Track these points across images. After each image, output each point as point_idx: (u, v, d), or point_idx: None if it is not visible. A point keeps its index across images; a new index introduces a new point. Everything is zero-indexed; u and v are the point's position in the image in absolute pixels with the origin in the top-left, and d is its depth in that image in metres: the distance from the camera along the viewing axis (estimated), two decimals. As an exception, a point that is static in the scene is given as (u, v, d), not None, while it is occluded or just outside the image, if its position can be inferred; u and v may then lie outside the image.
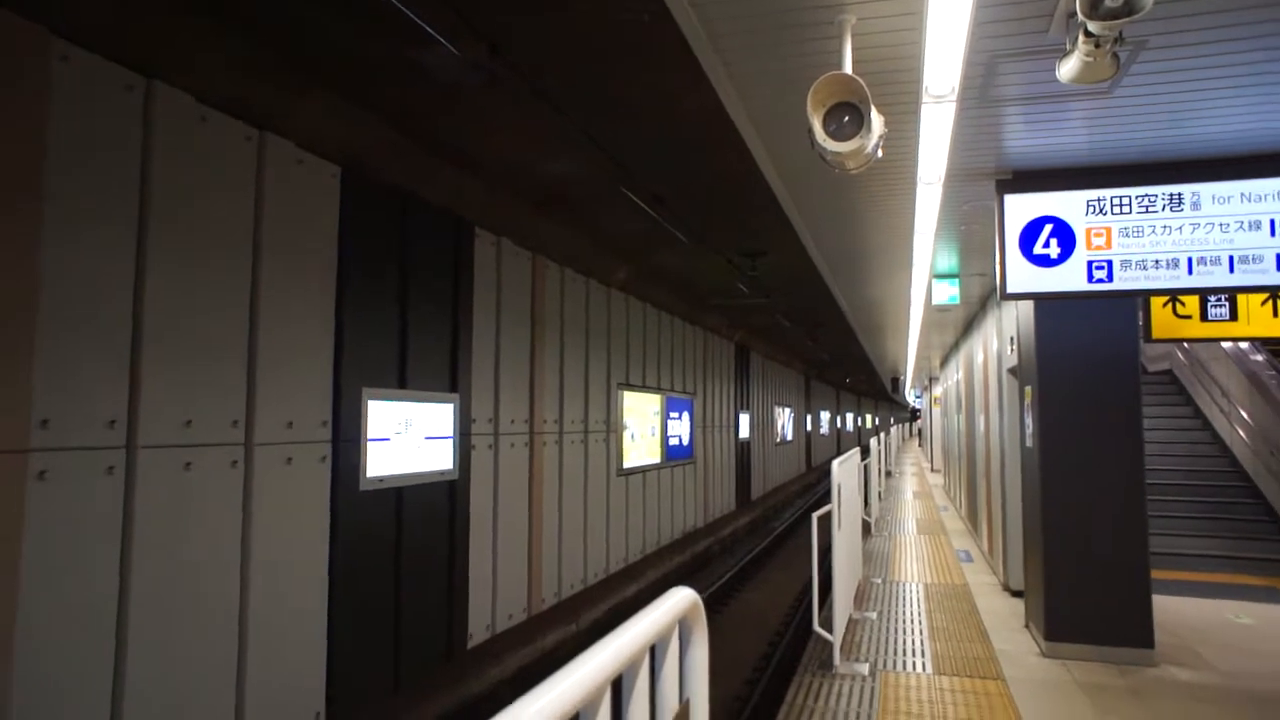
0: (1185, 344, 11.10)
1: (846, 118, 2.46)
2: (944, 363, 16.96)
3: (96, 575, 3.87)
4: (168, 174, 4.31)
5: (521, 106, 5.34)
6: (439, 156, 6.42)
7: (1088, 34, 2.17)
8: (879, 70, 2.91)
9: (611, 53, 4.55)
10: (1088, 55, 2.25)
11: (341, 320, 5.61)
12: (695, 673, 1.30)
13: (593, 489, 9.94)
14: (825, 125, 2.46)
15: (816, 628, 4.92)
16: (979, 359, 9.10)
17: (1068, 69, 2.37)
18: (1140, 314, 5.82)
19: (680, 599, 1.25)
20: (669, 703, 1.21)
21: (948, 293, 6.97)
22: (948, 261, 6.50)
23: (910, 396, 39.02)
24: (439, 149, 6.30)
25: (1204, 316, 5.52)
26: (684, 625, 1.29)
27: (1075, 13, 2.06)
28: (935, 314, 9.57)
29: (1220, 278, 3.65)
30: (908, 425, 53.18)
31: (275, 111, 5.03)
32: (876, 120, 2.49)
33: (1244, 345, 9.80)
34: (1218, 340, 6.14)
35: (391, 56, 4.80)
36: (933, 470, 21.64)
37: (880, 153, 2.66)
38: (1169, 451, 9.90)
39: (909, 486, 17.41)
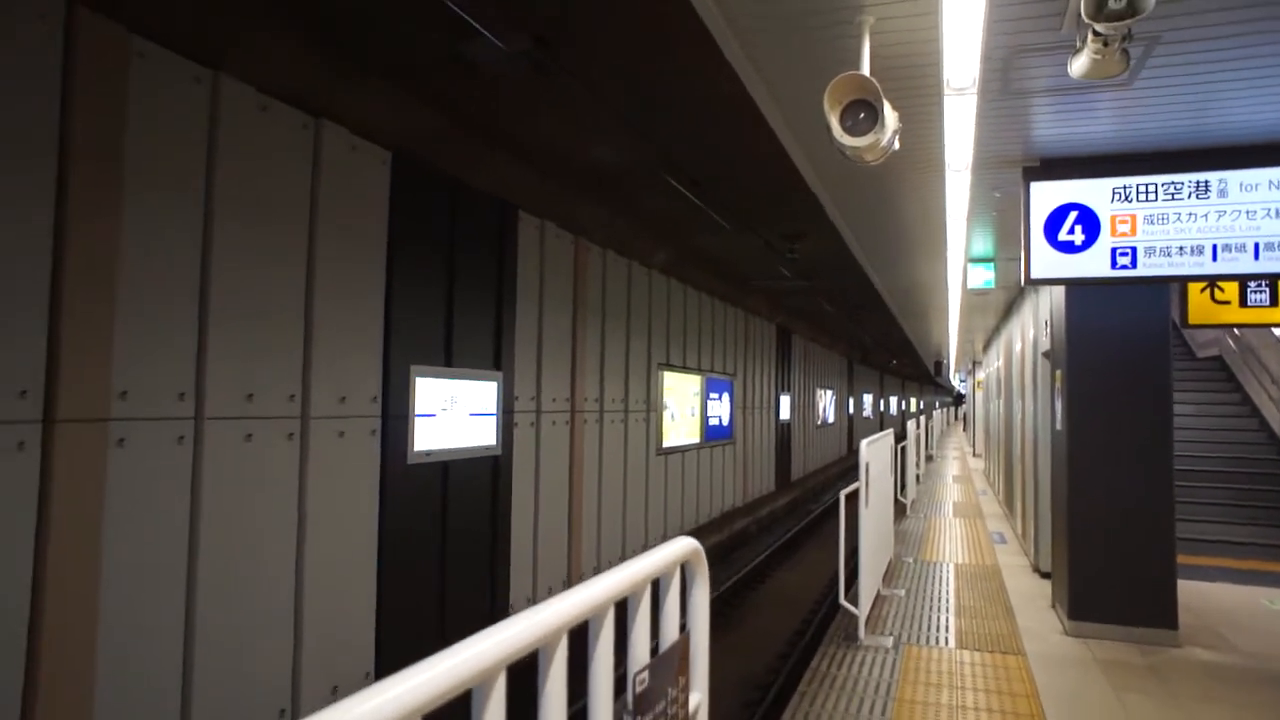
0: (1235, 330, 10.91)
1: (862, 114, 2.60)
2: (986, 347, 16.82)
3: (168, 535, 4.20)
4: (231, 159, 4.59)
5: (565, 95, 5.52)
6: (486, 143, 6.64)
7: (1095, 33, 2.28)
8: (899, 65, 3.03)
9: (647, 46, 4.70)
10: (1096, 53, 2.35)
11: (391, 300, 5.89)
12: (697, 610, 1.50)
13: (632, 467, 10.17)
14: (842, 121, 2.61)
15: (843, 601, 5.09)
16: (1017, 344, 9.10)
17: (1079, 66, 2.47)
18: (1176, 299, 5.83)
19: (683, 545, 1.44)
20: (670, 630, 1.41)
21: (983, 277, 7.01)
22: (982, 246, 6.55)
23: (955, 380, 38.57)
24: (486, 136, 6.52)
25: (1243, 302, 5.51)
26: (687, 568, 1.48)
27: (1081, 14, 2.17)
28: (973, 298, 9.56)
29: (1245, 264, 3.70)
30: (952, 409, 52.49)
31: (331, 100, 5.29)
32: (890, 116, 2.62)
33: (1296, 331, 9.63)
34: (1258, 326, 6.09)
35: (442, 49, 5.00)
36: (975, 455, 21.48)
37: (898, 144, 2.80)
38: (1213, 438, 9.78)
39: (950, 470, 17.35)
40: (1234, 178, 3.75)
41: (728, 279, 13.29)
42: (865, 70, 2.68)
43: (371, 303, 5.73)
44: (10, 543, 3.49)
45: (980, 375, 20.28)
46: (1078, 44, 2.45)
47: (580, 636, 1.11)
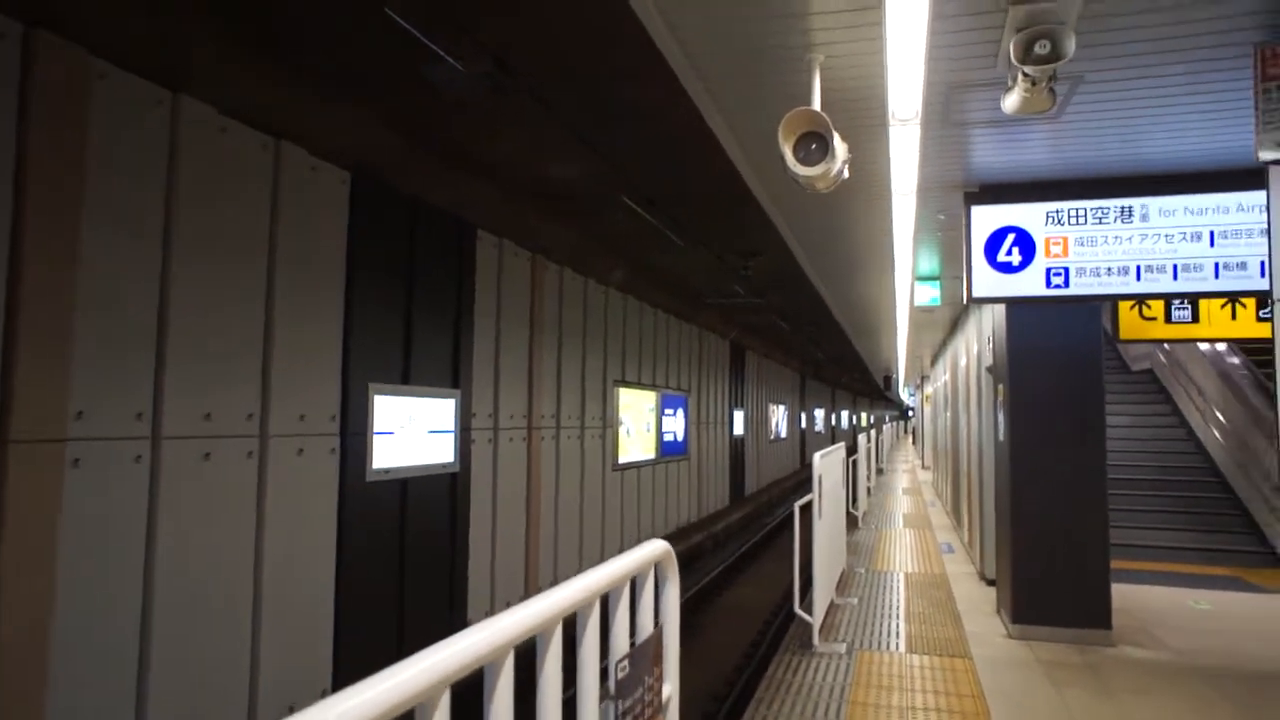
0: (1165, 345, 11.43)
1: (814, 145, 2.77)
2: (934, 361, 17.30)
3: (126, 554, 4.17)
4: (192, 179, 4.60)
5: (524, 115, 5.62)
6: (445, 161, 6.71)
7: (1024, 74, 2.48)
8: (847, 97, 3.22)
9: (605, 71, 4.85)
10: (1026, 91, 2.55)
11: (350, 318, 5.91)
12: (669, 606, 1.61)
13: (589, 483, 10.25)
14: (795, 152, 2.78)
15: (797, 609, 5.24)
16: (962, 359, 9.43)
17: (1010, 102, 2.68)
18: (1109, 316, 6.15)
19: (656, 546, 1.56)
20: (646, 624, 1.52)
21: (929, 294, 7.29)
22: (928, 265, 6.82)
23: (904, 395, 39.38)
24: (445, 154, 6.59)
25: (1168, 319, 5.85)
26: (660, 569, 1.60)
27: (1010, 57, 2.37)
28: (921, 314, 9.89)
29: (1165, 284, 3.98)
30: (902, 423, 53.52)
31: (290, 121, 5.32)
32: (840, 147, 2.80)
33: (1220, 347, 10.15)
34: (1182, 340, 6.45)
35: (402, 70, 5.08)
36: (924, 467, 21.98)
37: (847, 172, 2.97)
38: (1146, 448, 10.23)
39: (899, 483, 17.74)
40: (1154, 204, 4.03)
41: (683, 296, 13.50)
42: (816, 103, 2.85)
43: (330, 321, 5.75)
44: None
45: (929, 389, 20.81)
46: (1009, 82, 2.66)
47: (567, 628, 1.22)
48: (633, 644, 1.41)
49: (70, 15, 3.92)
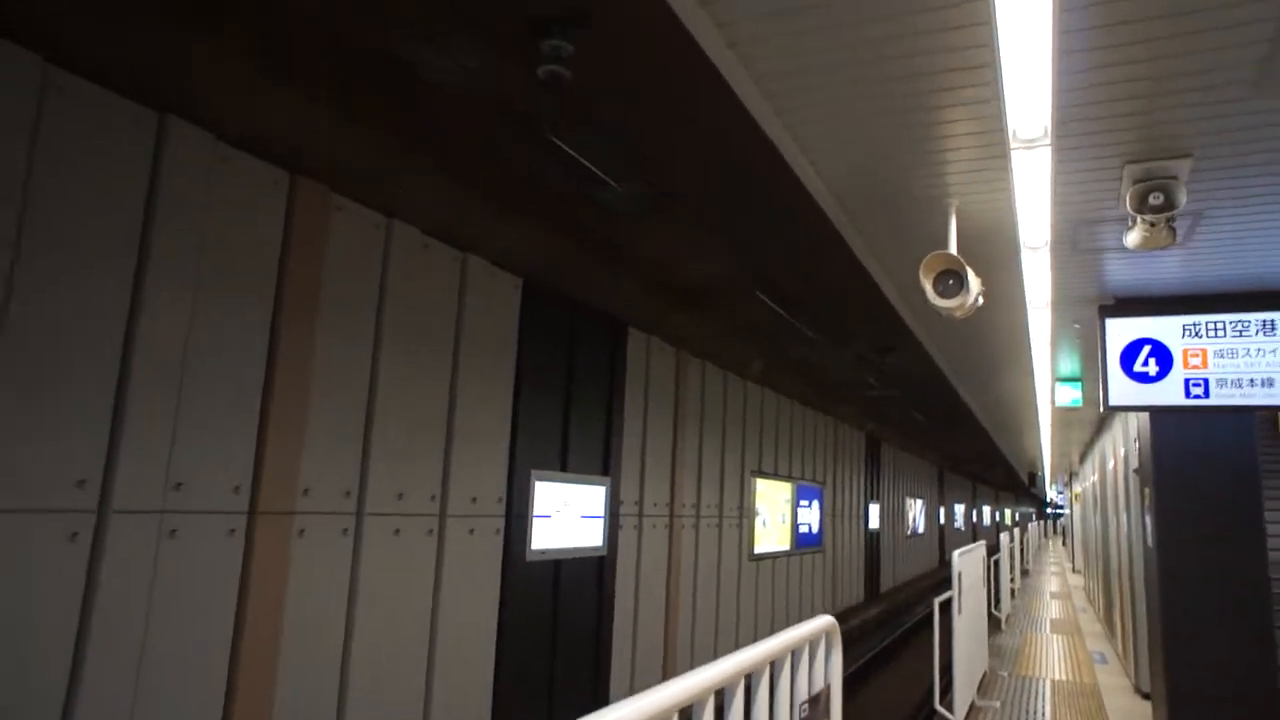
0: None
1: (951, 280, 3.16)
2: (1082, 459, 16.57)
3: (331, 613, 4.85)
4: (398, 290, 5.42)
5: (676, 220, 6.25)
6: (600, 264, 7.45)
7: (1142, 219, 2.80)
8: (981, 226, 3.61)
9: (756, 201, 5.41)
10: (1146, 231, 2.87)
11: (518, 410, 6.60)
12: (834, 667, 1.98)
13: (725, 572, 10.49)
14: (935, 287, 3.18)
15: (938, 707, 5.31)
16: (1110, 460, 9.20)
17: (1132, 239, 2.99)
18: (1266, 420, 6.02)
19: (824, 620, 1.95)
20: (818, 682, 1.89)
21: (1070, 395, 7.31)
22: (1068, 367, 6.90)
23: (1052, 492, 37.18)
24: (601, 258, 7.33)
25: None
26: (827, 637, 1.97)
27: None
28: (1065, 413, 9.75)
29: (1310, 396, 4.04)
30: (1049, 522, 50.18)
31: (474, 236, 6.15)
32: (974, 282, 3.18)
33: None
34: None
35: (569, 189, 5.82)
36: (1074, 570, 20.70)
37: (982, 300, 3.34)
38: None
39: (1047, 586, 16.84)
40: (1296, 317, 4.14)
41: (818, 387, 13.73)
42: (952, 244, 3.26)
43: (501, 412, 6.44)
44: (222, 607, 4.20)
45: (1077, 488, 19.79)
46: (1129, 223, 2.98)
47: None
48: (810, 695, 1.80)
49: (315, 164, 4.85)
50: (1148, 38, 2.12)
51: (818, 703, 1.79)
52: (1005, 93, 2.41)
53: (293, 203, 4.78)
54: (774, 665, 1.62)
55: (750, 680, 1.53)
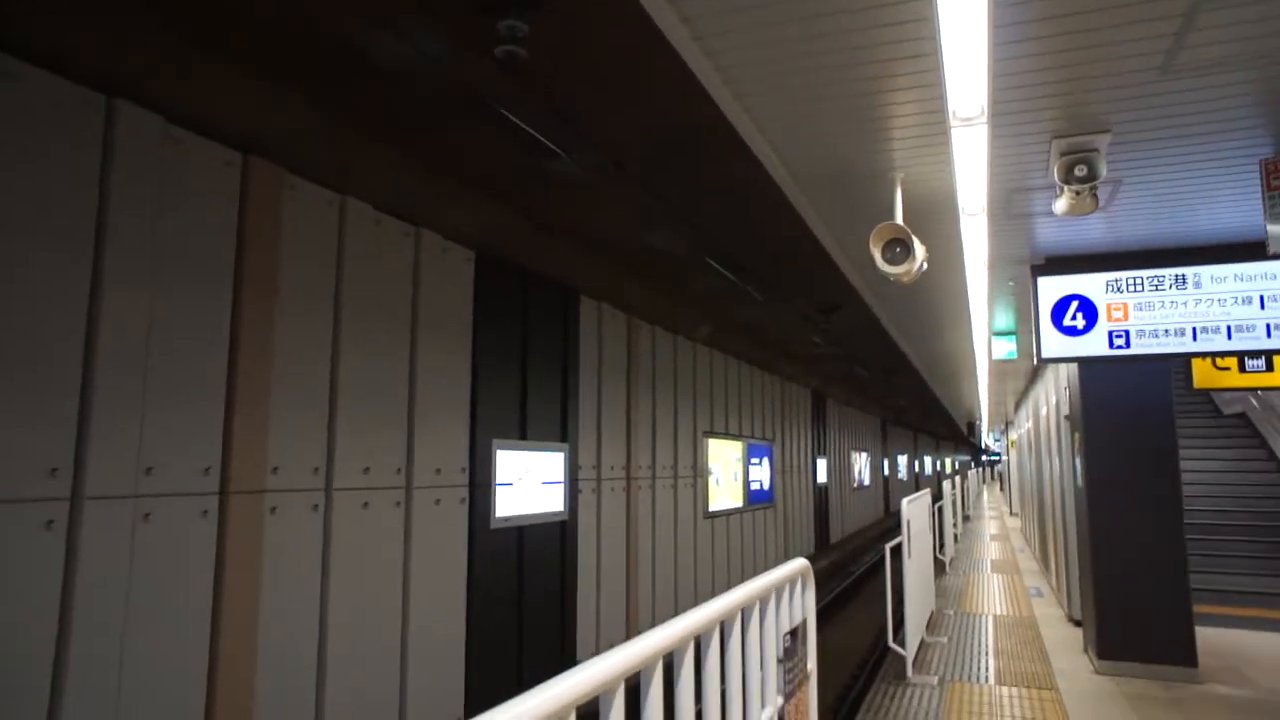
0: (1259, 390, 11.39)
1: (898, 248, 3.39)
2: (1017, 408, 17.33)
3: (306, 585, 4.96)
4: (354, 265, 5.46)
5: (627, 193, 6.38)
6: (553, 236, 7.55)
7: (1068, 187, 3.06)
8: (925, 196, 3.84)
9: (709, 167, 5.57)
10: (1072, 198, 3.13)
11: (477, 380, 6.71)
12: (809, 603, 2.21)
13: (682, 530, 10.82)
14: (884, 254, 3.40)
15: (891, 643, 5.69)
16: (1043, 407, 9.72)
17: (1059, 206, 3.25)
18: (1182, 366, 6.49)
19: (799, 563, 2.17)
20: (794, 618, 2.12)
21: (1006, 348, 7.71)
22: (1004, 321, 7.28)
23: (990, 440, 38.65)
24: (554, 231, 7.43)
25: (1242, 368, 6.17)
26: (802, 578, 2.20)
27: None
28: (999, 365, 10.23)
29: (1219, 344, 4.41)
30: (988, 469, 52.20)
31: (428, 212, 6.20)
32: (919, 249, 3.41)
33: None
34: (1261, 389, 6.71)
35: (526, 166, 5.91)
36: (1012, 514, 21.72)
37: (926, 265, 3.58)
38: (1237, 493, 10.21)
39: (987, 529, 17.67)
40: (1205, 271, 4.49)
41: (765, 347, 14.07)
42: (898, 208, 3.48)
43: (460, 383, 6.55)
44: (199, 587, 4.29)
45: (1013, 435, 20.69)
46: (1057, 191, 3.23)
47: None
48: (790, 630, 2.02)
49: (267, 144, 4.84)
50: (1072, 30, 2.34)
51: (796, 635, 2.02)
52: (945, 76, 2.61)
53: (247, 183, 4.78)
54: (762, 602, 1.83)
55: (744, 615, 1.74)
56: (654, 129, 5.04)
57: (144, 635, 4.00)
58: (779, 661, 1.87)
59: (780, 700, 1.86)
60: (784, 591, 1.99)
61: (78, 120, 3.89)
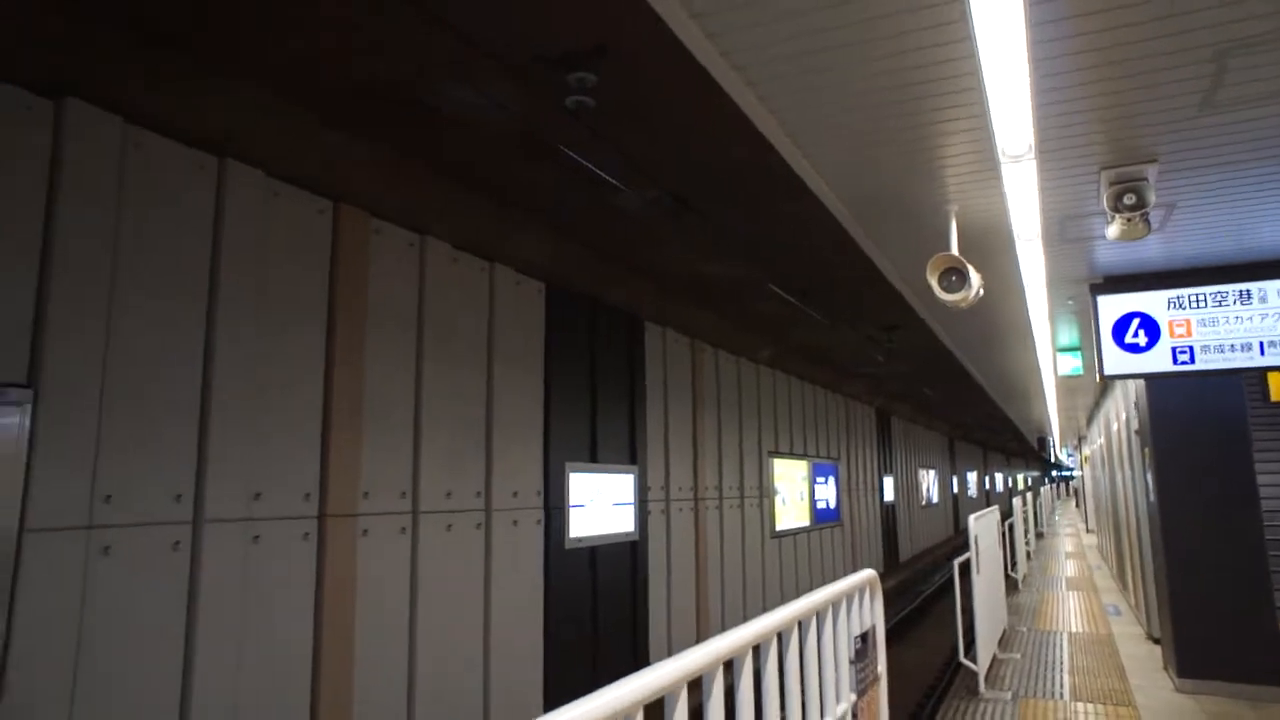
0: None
1: (954, 277, 3.56)
2: (1089, 422, 16.95)
3: (397, 599, 5.28)
4: (433, 303, 5.80)
5: (692, 228, 6.64)
6: (618, 266, 7.84)
7: (1119, 215, 3.19)
8: (980, 225, 3.99)
9: (768, 206, 5.78)
10: (1123, 225, 3.26)
11: (549, 406, 7.02)
12: (877, 611, 2.39)
13: (749, 549, 10.94)
14: (940, 283, 3.57)
15: (963, 659, 5.74)
16: (1114, 423, 9.59)
17: (1112, 232, 3.37)
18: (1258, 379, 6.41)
19: (868, 572, 2.35)
20: (865, 622, 2.30)
21: (1071, 364, 7.69)
22: (1067, 337, 7.28)
23: (1062, 455, 37.54)
24: (619, 261, 7.72)
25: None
26: (870, 587, 2.38)
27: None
28: (1066, 381, 10.13)
29: (1288, 357, 4.43)
30: (1062, 485, 50.58)
31: (501, 248, 6.54)
32: (975, 277, 3.57)
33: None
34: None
35: (592, 202, 6.19)
36: (1088, 531, 21.12)
37: (982, 292, 3.73)
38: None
39: (1062, 547, 17.26)
40: (1271, 286, 4.51)
41: (828, 367, 14.12)
42: (953, 239, 3.65)
43: (534, 409, 6.86)
44: (303, 604, 4.64)
45: (1086, 450, 20.18)
46: (1109, 217, 3.36)
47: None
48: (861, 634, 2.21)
49: (355, 191, 5.23)
50: (1110, 71, 2.51)
51: (867, 638, 2.20)
52: (992, 117, 2.79)
53: (337, 229, 5.18)
54: (834, 607, 2.02)
55: (819, 618, 1.94)
56: (713, 168, 5.28)
57: (257, 643, 4.36)
58: (851, 662, 2.06)
59: (854, 697, 2.05)
60: (854, 598, 2.19)
61: (196, 182, 4.32)
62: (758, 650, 1.67)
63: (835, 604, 2.04)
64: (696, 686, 1.46)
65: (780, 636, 1.70)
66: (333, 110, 4.71)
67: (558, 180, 5.89)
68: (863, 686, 2.12)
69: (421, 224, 5.84)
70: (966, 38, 2.37)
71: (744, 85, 2.78)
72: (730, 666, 1.57)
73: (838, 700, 2.00)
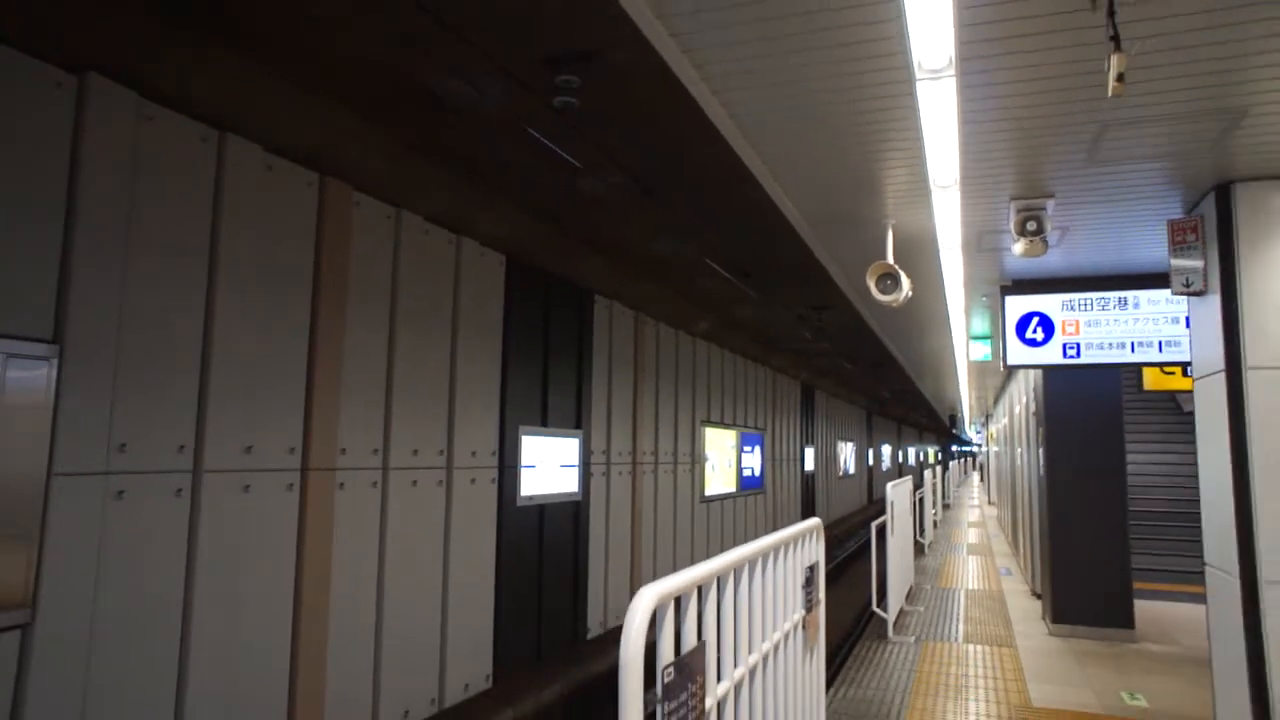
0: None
1: (889, 280, 4.20)
2: (995, 402, 18.24)
3: (368, 549, 5.71)
4: (408, 270, 6.16)
5: (650, 212, 7.12)
6: (573, 243, 8.28)
7: (1023, 237, 3.87)
8: (911, 236, 4.65)
9: (725, 202, 6.32)
10: (1027, 244, 3.94)
11: (505, 372, 7.46)
12: (820, 549, 3.00)
13: (680, 512, 11.62)
14: (877, 286, 4.22)
15: (875, 608, 6.54)
16: (1016, 405, 10.60)
17: (1018, 249, 4.05)
18: (1135, 371, 7.35)
19: (813, 520, 2.97)
20: (811, 556, 2.92)
21: (982, 351, 8.56)
22: (980, 327, 8.12)
23: (971, 432, 39.69)
24: (579, 238, 8.17)
25: (1185, 373, 7.04)
26: (817, 530, 2.99)
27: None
28: (977, 365, 11.10)
29: (1153, 355, 5.28)
30: (969, 460, 53.35)
31: (468, 221, 6.90)
32: (906, 282, 4.23)
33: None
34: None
35: (559, 183, 6.61)
36: (990, 503, 22.70)
37: (911, 294, 4.40)
38: (1190, 484, 11.12)
39: (966, 517, 18.62)
40: (1143, 295, 5.35)
41: (758, 341, 14.85)
42: (889, 248, 4.29)
43: (492, 375, 7.28)
44: (287, 548, 5.05)
45: (992, 428, 21.62)
46: (1015, 237, 4.04)
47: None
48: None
49: (345, 168, 5.57)
50: (1018, 127, 3.15)
51: (814, 569, 2.82)
52: (927, 155, 3.41)
53: (323, 200, 5.49)
54: (792, 543, 2.62)
55: (781, 550, 2.54)
56: (679, 161, 5.79)
57: (247, 579, 4.75)
58: (802, 587, 2.67)
59: (803, 611, 2.67)
60: (805, 538, 2.80)
61: (198, 158, 4.61)
62: (745, 571, 2.24)
63: (793, 540, 2.64)
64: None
65: (761, 560, 2.28)
66: (321, 85, 4.98)
67: (527, 162, 6.29)
68: (809, 605, 2.74)
69: (397, 197, 6.17)
70: (910, 94, 2.95)
71: (710, 94, 3.26)
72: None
73: (792, 612, 2.61)
